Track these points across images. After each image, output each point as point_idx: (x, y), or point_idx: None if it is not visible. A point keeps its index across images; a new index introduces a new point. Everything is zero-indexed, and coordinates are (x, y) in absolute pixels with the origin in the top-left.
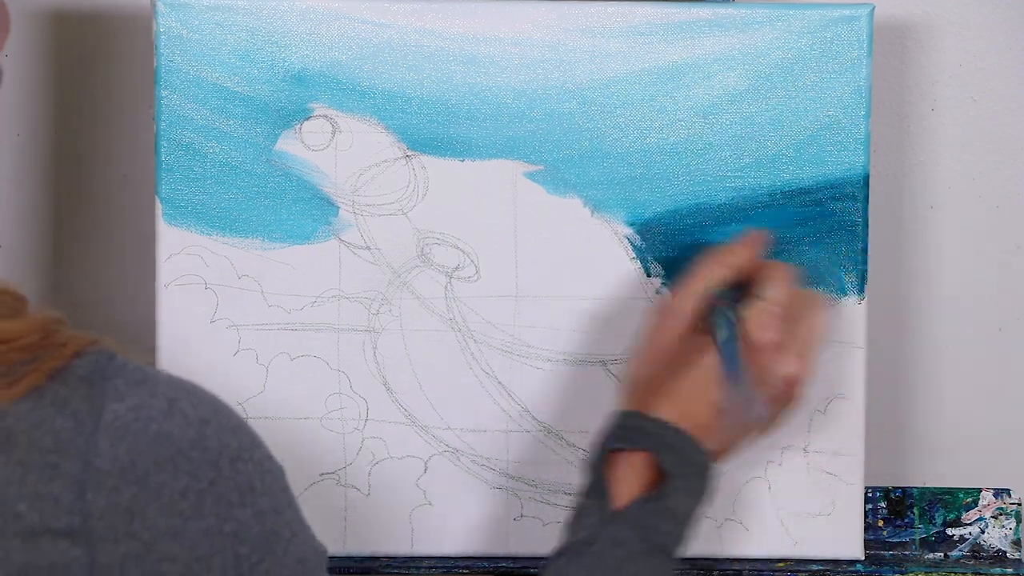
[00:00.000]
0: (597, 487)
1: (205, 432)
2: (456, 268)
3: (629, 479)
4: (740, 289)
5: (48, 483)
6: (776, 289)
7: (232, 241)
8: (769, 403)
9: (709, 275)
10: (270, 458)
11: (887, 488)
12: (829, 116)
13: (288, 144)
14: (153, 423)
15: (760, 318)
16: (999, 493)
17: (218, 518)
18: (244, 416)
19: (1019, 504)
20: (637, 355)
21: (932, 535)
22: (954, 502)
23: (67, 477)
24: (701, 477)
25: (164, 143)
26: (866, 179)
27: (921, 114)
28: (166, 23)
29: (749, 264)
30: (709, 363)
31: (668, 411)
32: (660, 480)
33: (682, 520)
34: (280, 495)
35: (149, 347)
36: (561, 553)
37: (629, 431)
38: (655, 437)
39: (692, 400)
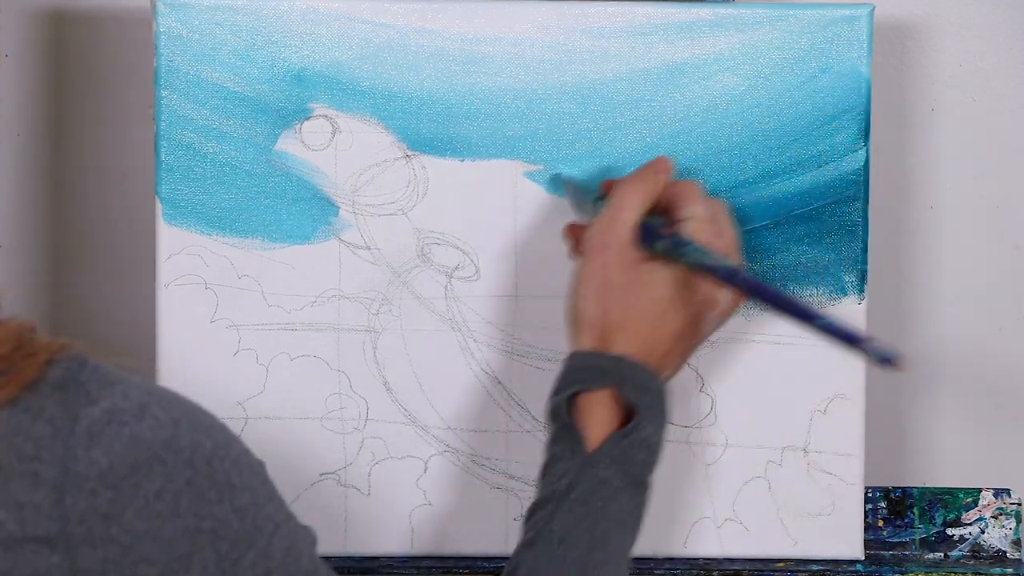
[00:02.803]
0: (566, 433)
1: (178, 433)
2: (456, 268)
3: (598, 418)
4: (657, 214)
5: (29, 491)
6: (699, 206)
7: (232, 241)
8: (718, 317)
9: (633, 204)
10: (247, 453)
11: (887, 488)
12: (829, 116)
13: (288, 144)
14: (126, 427)
15: (703, 236)
16: (999, 493)
17: (196, 517)
18: (244, 415)
19: (1019, 504)
20: (578, 293)
21: (932, 535)
22: (954, 502)
23: (46, 484)
24: (662, 404)
25: (164, 143)
26: (866, 179)
27: (921, 114)
28: (166, 23)
29: (661, 188)
30: (661, 292)
31: (626, 345)
32: (626, 415)
33: (653, 449)
34: (260, 489)
35: (149, 347)
36: (540, 505)
37: (590, 371)
38: (615, 373)
39: (650, 331)
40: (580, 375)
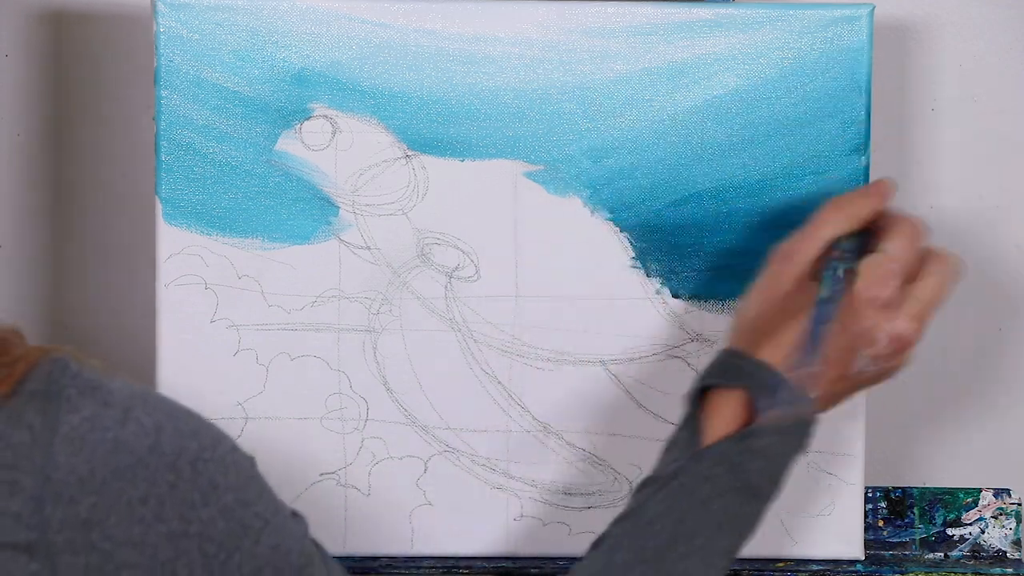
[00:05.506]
0: (690, 421)
1: (161, 438)
2: (456, 268)
3: (724, 416)
4: (864, 238)
5: (7, 499)
6: (898, 243)
7: (232, 241)
8: (873, 360)
9: (831, 222)
10: (234, 450)
11: (887, 488)
12: (829, 116)
13: (288, 144)
14: (109, 432)
15: (875, 273)
16: (999, 493)
17: (182, 521)
18: (244, 415)
19: (1019, 504)
20: (750, 295)
21: (932, 535)
22: (954, 502)
23: (25, 492)
24: (796, 421)
25: (164, 143)
26: (866, 179)
27: (921, 114)
28: (166, 23)
29: (875, 215)
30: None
31: (771, 355)
32: (752, 420)
33: (775, 463)
34: (247, 486)
35: (149, 347)
36: (647, 483)
37: (728, 368)
38: (752, 377)
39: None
40: (719, 370)
